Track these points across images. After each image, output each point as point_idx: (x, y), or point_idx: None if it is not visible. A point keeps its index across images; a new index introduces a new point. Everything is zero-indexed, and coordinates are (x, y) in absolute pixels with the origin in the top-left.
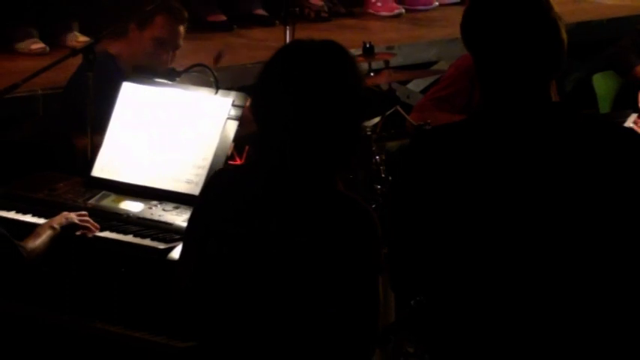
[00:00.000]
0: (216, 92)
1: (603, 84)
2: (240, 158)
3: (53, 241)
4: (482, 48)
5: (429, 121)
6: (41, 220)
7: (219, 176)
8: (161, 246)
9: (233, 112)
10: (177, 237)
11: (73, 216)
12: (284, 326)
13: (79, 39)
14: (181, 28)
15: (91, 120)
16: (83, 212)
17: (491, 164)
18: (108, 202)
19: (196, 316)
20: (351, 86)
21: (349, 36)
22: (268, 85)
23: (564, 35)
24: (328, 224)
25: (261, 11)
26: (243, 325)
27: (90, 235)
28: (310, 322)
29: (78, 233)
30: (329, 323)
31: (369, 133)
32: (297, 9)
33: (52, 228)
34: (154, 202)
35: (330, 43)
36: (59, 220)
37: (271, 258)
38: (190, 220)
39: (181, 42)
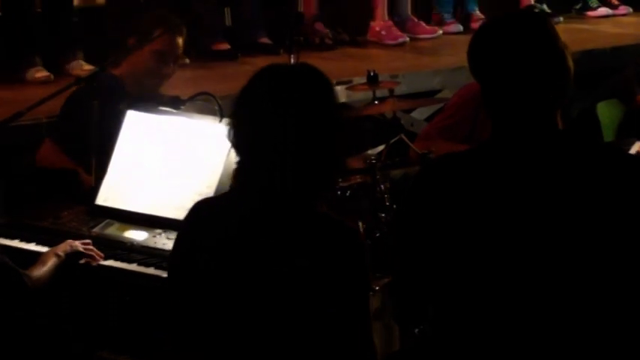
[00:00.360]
0: (221, 120)
1: (607, 112)
2: None
3: (58, 268)
4: (490, 76)
5: (432, 149)
6: (45, 249)
7: (202, 206)
8: (165, 274)
9: None
10: None
11: (78, 244)
12: (277, 351)
13: (84, 67)
14: (180, 40)
15: (95, 147)
16: (87, 240)
17: (499, 193)
18: (112, 230)
19: (190, 345)
20: (334, 105)
21: (353, 64)
22: (254, 108)
23: (571, 64)
24: (318, 246)
25: (265, 40)
26: (236, 352)
27: (94, 264)
28: (303, 345)
29: (82, 262)
30: (322, 345)
31: (373, 161)
32: (302, 38)
33: (57, 256)
34: (158, 231)
35: (307, 65)
36: (64, 247)
37: (261, 282)
38: (175, 253)
39: (181, 53)
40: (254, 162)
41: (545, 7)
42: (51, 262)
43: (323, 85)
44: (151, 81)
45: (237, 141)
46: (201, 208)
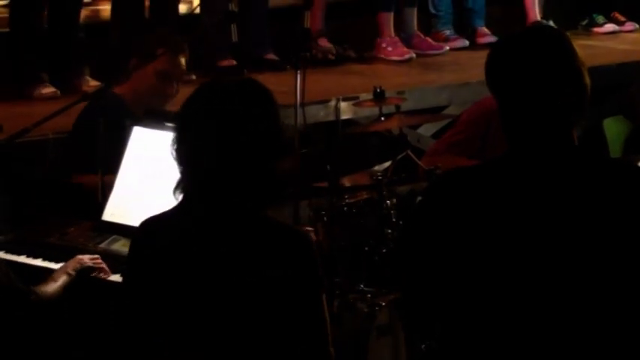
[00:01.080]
0: None
1: (613, 129)
2: None
3: (68, 286)
4: (507, 92)
5: (439, 164)
6: (52, 264)
7: (149, 222)
8: None
9: None
10: None
11: (87, 259)
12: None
13: (90, 83)
14: (182, 60)
15: (102, 164)
16: (96, 255)
17: (512, 209)
18: (118, 246)
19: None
20: (272, 119)
21: (360, 80)
22: (192, 121)
23: (588, 81)
24: (267, 251)
25: (272, 56)
26: None
27: (104, 277)
28: (259, 352)
29: (94, 275)
30: (277, 351)
31: (379, 177)
32: (308, 54)
33: (68, 274)
34: None
35: (250, 80)
36: (73, 265)
37: (212, 291)
38: (128, 268)
39: (184, 72)
40: (194, 174)
41: (551, 22)
42: (62, 280)
43: (262, 99)
44: (154, 100)
45: (178, 153)
46: (148, 224)
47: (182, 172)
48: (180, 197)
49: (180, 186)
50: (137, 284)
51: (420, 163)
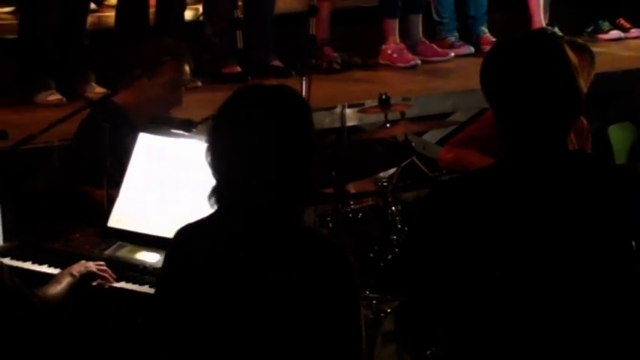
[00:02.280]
0: None
1: (619, 135)
2: None
3: (72, 289)
4: (499, 97)
5: (460, 156)
6: (57, 271)
7: (186, 230)
8: None
9: None
10: None
11: (92, 265)
12: None
13: (96, 90)
14: (186, 67)
15: (107, 171)
16: (101, 262)
17: (510, 215)
18: (124, 252)
19: None
20: (309, 127)
21: (365, 87)
22: (231, 128)
23: (581, 84)
24: (303, 260)
25: (277, 62)
26: None
27: (106, 286)
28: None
29: (94, 283)
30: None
31: (385, 183)
32: (314, 60)
33: (72, 276)
34: None
35: (285, 87)
36: (78, 268)
37: (248, 299)
38: (163, 277)
39: (188, 79)
40: (230, 183)
41: (556, 29)
42: (65, 282)
43: (299, 106)
44: (158, 110)
45: (213, 161)
46: (184, 232)
47: (218, 180)
48: (214, 205)
49: (215, 194)
50: (171, 292)
51: (424, 168)
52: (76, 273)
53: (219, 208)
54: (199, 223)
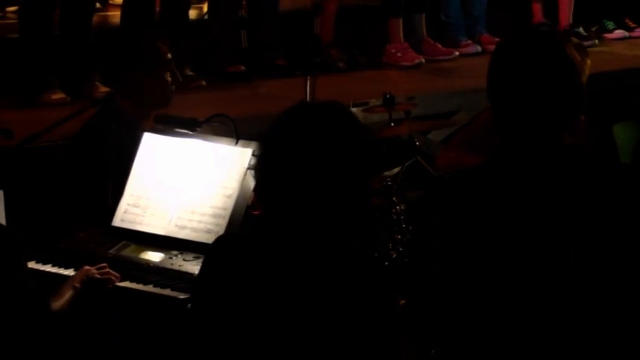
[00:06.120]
0: (237, 142)
1: (623, 134)
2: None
3: (76, 299)
4: (502, 94)
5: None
6: (61, 270)
7: (224, 242)
8: (181, 296)
9: (253, 162)
10: None
11: (94, 271)
12: None
13: (100, 89)
14: (163, 45)
15: (112, 169)
16: (103, 264)
17: (508, 211)
18: (128, 251)
19: None
20: (366, 148)
21: (370, 86)
22: (280, 147)
23: (582, 81)
24: (347, 284)
25: (282, 61)
26: None
27: (110, 287)
28: None
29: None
30: None
31: (389, 183)
32: (318, 59)
33: (74, 287)
34: (175, 252)
35: (335, 103)
36: (80, 277)
37: (295, 329)
38: (200, 293)
39: (169, 59)
40: (283, 201)
41: (581, 29)
42: (68, 295)
43: (351, 122)
44: (153, 101)
45: (265, 180)
46: (224, 241)
47: (268, 198)
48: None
49: (266, 210)
50: (208, 301)
51: (429, 168)
52: (78, 284)
53: (264, 223)
54: (241, 235)
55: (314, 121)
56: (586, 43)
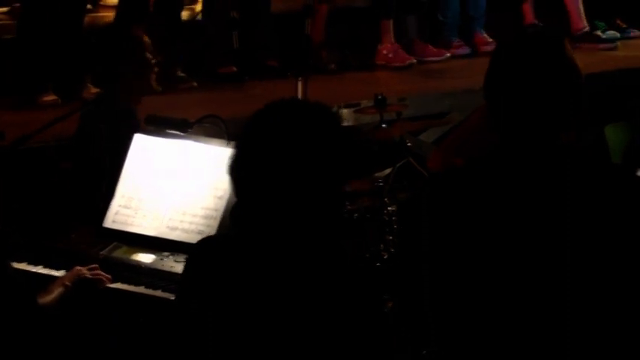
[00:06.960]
0: (228, 143)
1: (615, 135)
2: None
3: (65, 297)
4: (501, 93)
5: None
6: (53, 272)
7: (207, 244)
8: (172, 297)
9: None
10: None
11: (85, 271)
12: None
13: (92, 91)
14: (139, 30)
15: (106, 169)
16: (94, 265)
17: (501, 209)
18: (120, 253)
19: None
20: (344, 144)
21: (361, 87)
22: (254, 146)
23: (580, 82)
24: (325, 284)
25: (273, 62)
26: None
27: (101, 287)
28: None
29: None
30: None
31: (380, 183)
32: (310, 60)
33: (64, 285)
34: (166, 254)
35: (319, 104)
36: (70, 277)
37: (275, 326)
38: (183, 293)
39: (147, 44)
40: (258, 200)
41: (603, 24)
42: (57, 292)
43: (328, 120)
44: (139, 88)
45: (239, 178)
46: (207, 243)
47: (243, 197)
48: (236, 222)
49: (239, 211)
50: (190, 303)
51: (420, 168)
52: (67, 282)
53: (242, 223)
54: (223, 236)
55: (287, 119)
56: (604, 46)
